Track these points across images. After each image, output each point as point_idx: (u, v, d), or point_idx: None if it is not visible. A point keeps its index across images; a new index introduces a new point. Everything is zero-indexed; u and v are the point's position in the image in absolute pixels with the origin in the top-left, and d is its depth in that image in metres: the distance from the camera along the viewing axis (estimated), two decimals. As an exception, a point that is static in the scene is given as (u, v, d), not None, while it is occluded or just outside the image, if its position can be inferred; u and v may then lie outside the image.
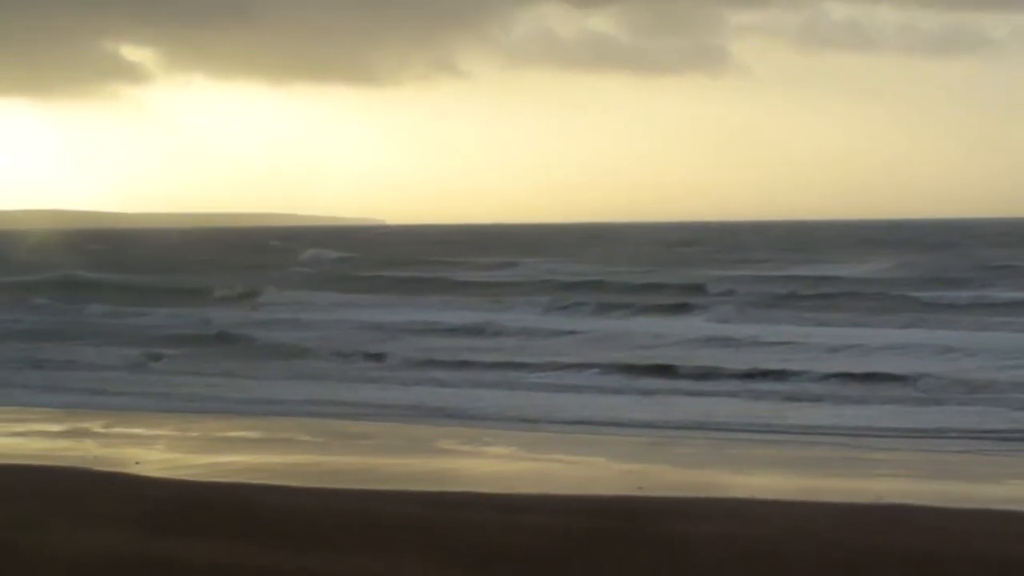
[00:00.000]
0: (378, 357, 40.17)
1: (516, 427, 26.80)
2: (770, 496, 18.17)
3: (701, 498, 18.15)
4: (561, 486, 19.46)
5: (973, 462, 22.72)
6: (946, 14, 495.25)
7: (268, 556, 13.67)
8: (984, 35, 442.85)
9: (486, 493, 18.63)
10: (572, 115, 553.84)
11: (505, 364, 37.72)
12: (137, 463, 21.59)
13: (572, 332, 46.56)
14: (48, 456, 22.64)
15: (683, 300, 58.84)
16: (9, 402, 31.27)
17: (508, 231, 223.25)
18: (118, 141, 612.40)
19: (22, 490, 18.06)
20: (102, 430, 26.51)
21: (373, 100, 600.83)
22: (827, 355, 37.95)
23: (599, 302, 59.86)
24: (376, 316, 54.26)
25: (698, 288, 65.30)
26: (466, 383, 34.11)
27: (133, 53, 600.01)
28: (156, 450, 23.68)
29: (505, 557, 13.77)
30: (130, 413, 29.32)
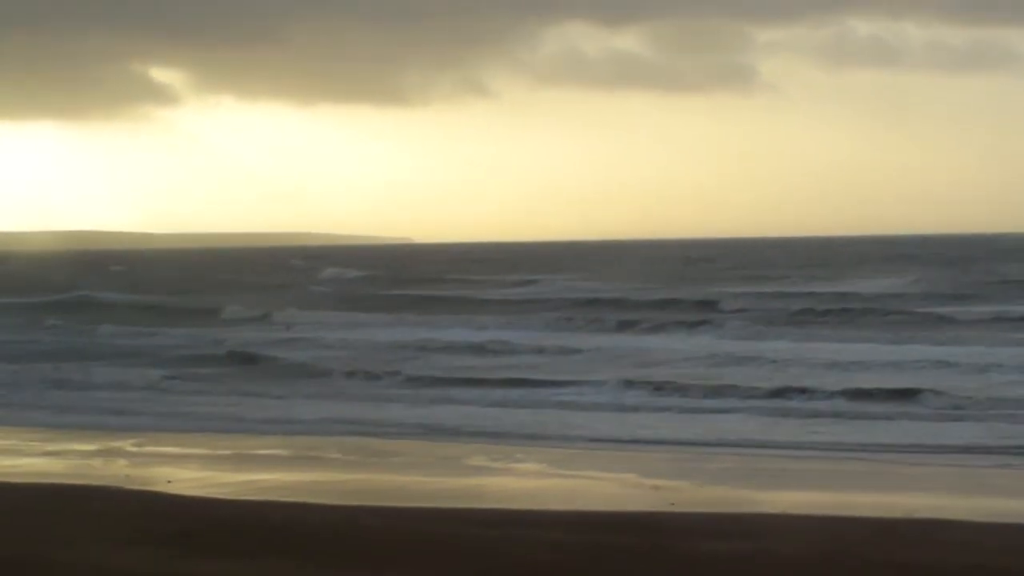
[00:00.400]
0: (395, 375, 40.15)
1: (540, 444, 26.77)
2: (802, 512, 18.18)
3: (733, 514, 18.11)
4: (590, 502, 19.43)
5: (1005, 476, 22.67)
6: (971, 30, 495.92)
7: (299, 574, 13.72)
8: (1011, 50, 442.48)
9: (515, 509, 18.64)
10: (599, 134, 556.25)
11: (525, 381, 37.73)
12: (169, 482, 21.65)
13: (587, 349, 46.49)
14: (80, 475, 22.72)
15: (700, 317, 59.09)
16: (35, 423, 31.29)
17: (534, 249, 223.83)
18: (148, 162, 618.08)
19: (55, 508, 18.13)
20: (133, 449, 26.56)
21: (400, 120, 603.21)
22: (844, 371, 37.86)
23: (618, 319, 59.98)
24: (395, 335, 54.27)
25: (710, 304, 65.53)
26: (485, 401, 34.13)
27: (162, 75, 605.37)
28: (187, 469, 23.69)
29: (535, 574, 13.82)
30: (160, 432, 29.37)
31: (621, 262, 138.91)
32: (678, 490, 20.69)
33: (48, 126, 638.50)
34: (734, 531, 16.28)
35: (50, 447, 26.88)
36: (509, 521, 17.22)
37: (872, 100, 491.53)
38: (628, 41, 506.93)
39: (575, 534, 16.04)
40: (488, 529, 16.36)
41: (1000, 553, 14.85)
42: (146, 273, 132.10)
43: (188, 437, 28.48)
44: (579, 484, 21.80)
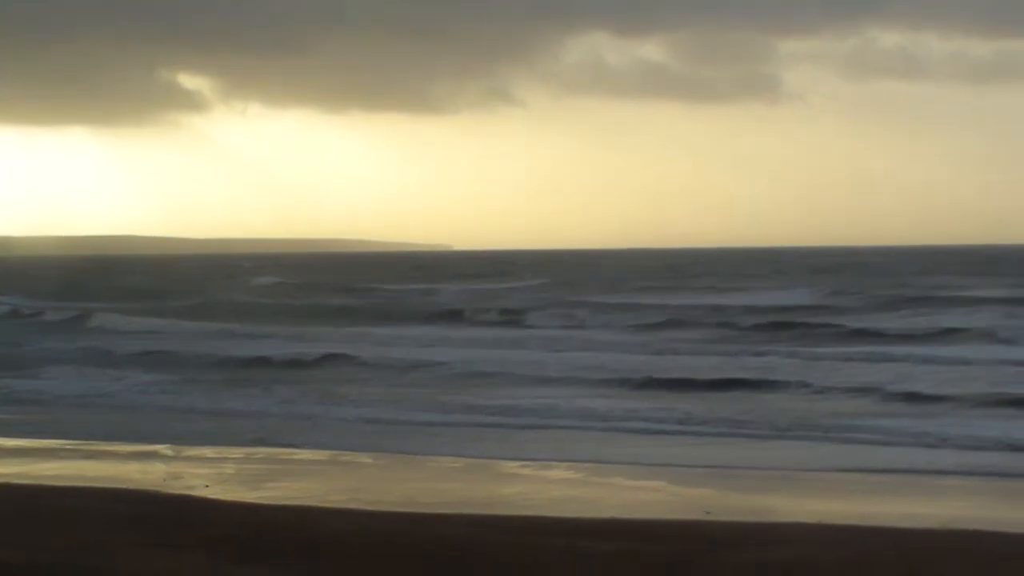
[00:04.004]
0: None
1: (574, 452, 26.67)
2: (838, 521, 18.14)
3: (769, 523, 18.08)
4: (626, 510, 19.42)
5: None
6: (993, 41, 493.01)
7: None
8: None
9: (551, 517, 18.59)
10: (624, 143, 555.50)
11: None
12: (207, 486, 21.76)
13: (447, 362, 45.47)
14: (117, 479, 22.83)
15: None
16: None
17: (561, 256, 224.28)
18: (177, 168, 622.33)
19: (92, 513, 18.18)
20: (171, 453, 26.74)
21: (429, 127, 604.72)
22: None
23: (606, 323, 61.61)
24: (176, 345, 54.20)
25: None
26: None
27: (191, 82, 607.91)
28: (226, 472, 23.84)
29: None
30: (196, 436, 29.51)
31: (594, 270, 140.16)
32: (712, 499, 20.67)
33: (78, 132, 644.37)
34: (769, 540, 16.24)
35: (86, 449, 27.05)
36: (547, 529, 17.21)
37: (896, 110, 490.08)
38: (652, 51, 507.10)
39: (613, 542, 16.03)
40: (525, 536, 16.37)
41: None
42: (41, 278, 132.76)
43: (227, 440, 28.50)
44: (613, 492, 21.79)
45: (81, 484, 21.92)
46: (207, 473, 23.60)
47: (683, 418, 30.88)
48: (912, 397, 33.58)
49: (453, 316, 70.71)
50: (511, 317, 68.79)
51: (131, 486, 21.76)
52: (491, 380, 40.38)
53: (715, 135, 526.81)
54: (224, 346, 53.53)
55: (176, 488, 21.58)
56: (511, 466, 24.50)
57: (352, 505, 19.69)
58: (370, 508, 19.37)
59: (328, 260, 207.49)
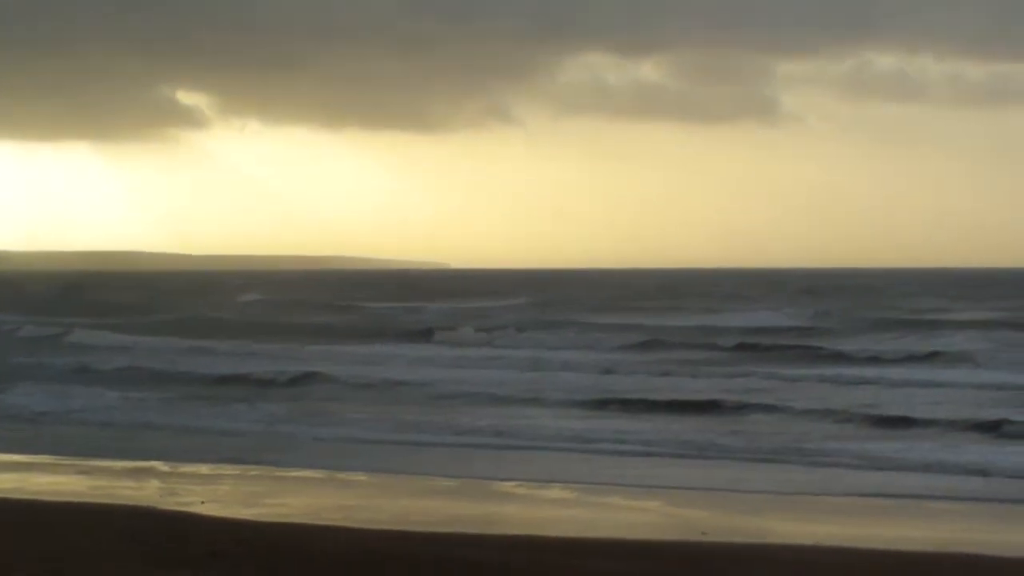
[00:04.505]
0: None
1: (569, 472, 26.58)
2: (834, 543, 18.17)
3: (766, 544, 18.11)
4: (623, 530, 19.41)
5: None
6: (988, 64, 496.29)
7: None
8: None
9: (548, 536, 18.59)
10: (622, 162, 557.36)
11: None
12: (203, 502, 21.71)
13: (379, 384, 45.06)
14: (112, 495, 22.76)
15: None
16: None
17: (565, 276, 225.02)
18: (176, 183, 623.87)
19: (86, 528, 18.14)
20: (167, 469, 26.68)
21: (427, 145, 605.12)
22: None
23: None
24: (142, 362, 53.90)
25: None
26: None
27: (189, 98, 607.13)
28: (222, 488, 23.80)
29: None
30: (191, 452, 29.41)
31: (584, 289, 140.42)
32: (708, 521, 20.67)
33: (77, 147, 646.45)
34: (766, 561, 16.30)
35: (82, 464, 26.96)
36: (545, 548, 17.22)
37: (894, 132, 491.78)
38: (649, 71, 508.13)
39: (611, 562, 16.06)
40: (522, 554, 16.38)
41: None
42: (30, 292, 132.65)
43: (222, 456, 28.43)
44: (610, 512, 21.78)
45: (76, 500, 21.87)
46: (201, 490, 23.52)
47: (657, 440, 30.85)
48: (885, 421, 33.53)
49: (429, 335, 70.56)
50: (489, 336, 68.76)
51: (126, 501, 21.72)
52: (472, 400, 40.30)
53: (713, 155, 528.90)
54: (200, 363, 53.32)
55: (171, 504, 21.54)
56: (505, 486, 24.45)
57: (345, 523, 19.66)
58: (363, 526, 19.35)
59: (320, 277, 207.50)
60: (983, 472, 25.84)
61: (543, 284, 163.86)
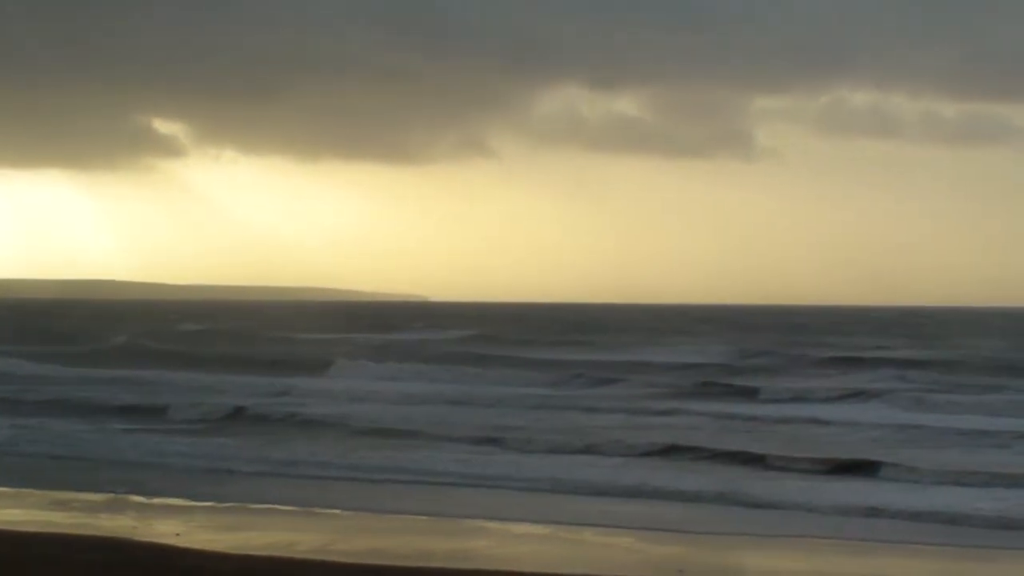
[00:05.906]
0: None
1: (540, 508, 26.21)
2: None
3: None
4: (599, 567, 19.36)
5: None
6: (961, 103, 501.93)
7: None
8: (1007, 124, 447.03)
9: (525, 572, 18.54)
10: (598, 196, 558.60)
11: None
12: (178, 534, 21.49)
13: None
14: (87, 526, 22.51)
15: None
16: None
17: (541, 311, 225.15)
18: (151, 212, 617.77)
19: (61, 560, 17.98)
20: (143, 500, 26.39)
21: (404, 177, 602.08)
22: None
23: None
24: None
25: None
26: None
27: (165, 127, 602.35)
28: (197, 521, 23.55)
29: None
30: (169, 483, 29.01)
31: (537, 321, 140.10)
32: (685, 557, 20.64)
33: (52, 175, 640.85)
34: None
35: (58, 497, 26.62)
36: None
37: (868, 169, 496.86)
38: (626, 105, 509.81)
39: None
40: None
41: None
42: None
43: (199, 488, 28.04)
44: (585, 547, 21.69)
45: (48, 530, 21.60)
46: (175, 522, 23.30)
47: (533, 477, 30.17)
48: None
49: (326, 367, 69.11)
50: (387, 369, 67.95)
51: (100, 533, 21.48)
52: (400, 437, 38.91)
53: (688, 190, 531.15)
54: (118, 393, 52.60)
55: (147, 535, 21.32)
56: (478, 521, 24.27)
57: (321, 556, 19.55)
58: (340, 560, 19.27)
59: (280, 309, 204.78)
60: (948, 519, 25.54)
61: (505, 317, 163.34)
